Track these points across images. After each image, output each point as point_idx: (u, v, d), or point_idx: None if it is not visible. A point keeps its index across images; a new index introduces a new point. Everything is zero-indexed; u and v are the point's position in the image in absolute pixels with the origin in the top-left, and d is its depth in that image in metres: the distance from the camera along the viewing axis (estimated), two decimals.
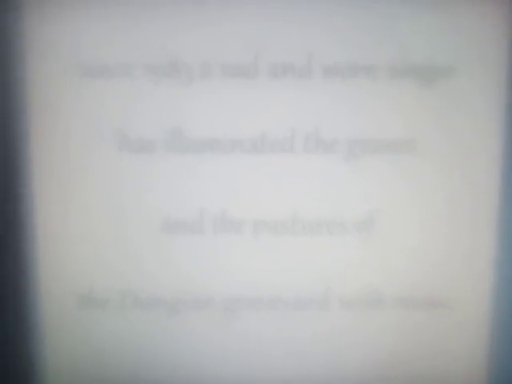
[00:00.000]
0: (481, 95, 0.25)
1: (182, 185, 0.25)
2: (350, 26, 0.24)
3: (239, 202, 0.25)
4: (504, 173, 0.25)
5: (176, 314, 0.26)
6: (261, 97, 0.24)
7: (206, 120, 0.25)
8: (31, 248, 0.25)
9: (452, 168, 0.25)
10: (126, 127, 0.25)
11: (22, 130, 0.25)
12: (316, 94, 0.25)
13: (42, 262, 0.26)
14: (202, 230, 0.25)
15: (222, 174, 0.25)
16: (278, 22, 0.24)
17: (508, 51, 0.24)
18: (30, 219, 0.25)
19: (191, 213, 0.25)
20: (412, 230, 0.26)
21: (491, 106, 0.25)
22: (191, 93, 0.24)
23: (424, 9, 0.24)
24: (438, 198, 0.25)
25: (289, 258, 0.26)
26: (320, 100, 0.25)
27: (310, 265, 0.26)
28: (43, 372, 0.27)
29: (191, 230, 0.25)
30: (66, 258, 0.26)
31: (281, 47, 0.24)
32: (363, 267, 0.26)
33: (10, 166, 0.25)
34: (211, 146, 0.25)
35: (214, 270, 0.26)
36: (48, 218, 0.25)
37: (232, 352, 0.27)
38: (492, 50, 0.25)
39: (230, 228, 0.25)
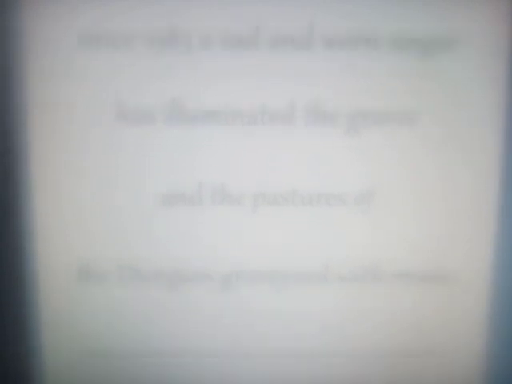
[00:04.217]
0: (484, 68, 0.25)
1: (180, 157, 0.25)
2: None
3: (238, 175, 0.25)
4: (506, 146, 0.25)
5: (175, 287, 0.26)
6: (261, 68, 0.24)
7: (205, 91, 0.24)
8: (28, 221, 0.25)
9: (453, 141, 0.25)
10: (123, 98, 0.24)
11: (18, 101, 0.24)
12: (316, 65, 0.24)
13: (39, 234, 0.26)
14: (201, 203, 0.25)
15: (221, 146, 0.25)
16: None
17: None
18: (26, 193, 0.25)
19: (190, 185, 0.25)
20: (412, 204, 0.25)
21: (494, 79, 0.25)
22: (190, 63, 0.24)
23: None
24: (439, 171, 0.25)
25: (288, 231, 0.26)
26: (320, 72, 0.24)
27: (310, 238, 0.26)
28: (41, 346, 0.27)
29: (190, 203, 0.25)
30: (62, 231, 0.26)
31: (281, 18, 0.24)
32: (363, 241, 0.26)
33: (7, 138, 0.25)
34: (210, 117, 0.24)
35: (213, 242, 0.26)
36: (45, 191, 0.25)
37: (230, 325, 0.27)
38: (496, 22, 0.24)
39: (229, 201, 0.25)
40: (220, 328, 0.27)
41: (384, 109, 0.25)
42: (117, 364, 0.27)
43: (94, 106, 0.24)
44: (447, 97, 0.25)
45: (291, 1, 0.24)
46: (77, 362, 0.27)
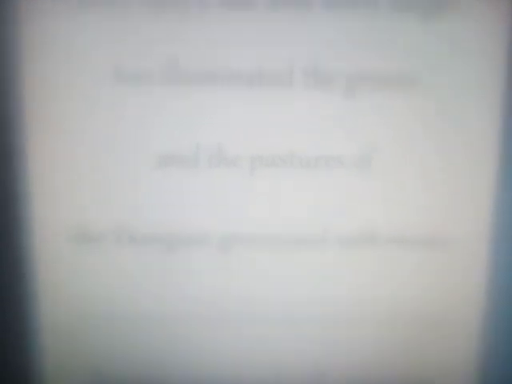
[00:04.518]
0: (486, 33, 0.24)
1: (177, 118, 0.25)
2: None
3: (236, 137, 0.25)
4: (507, 110, 0.25)
5: (172, 250, 0.26)
6: (259, 29, 0.24)
7: (202, 52, 0.24)
8: (22, 184, 0.25)
9: (454, 105, 0.25)
10: (120, 59, 0.24)
11: (14, 64, 0.24)
12: (315, 27, 0.24)
13: (33, 197, 0.25)
14: (198, 165, 0.25)
15: (219, 108, 0.25)
16: None
17: None
18: (21, 155, 0.25)
19: (187, 147, 0.25)
20: (411, 168, 0.25)
21: (497, 44, 0.24)
22: (188, 24, 0.24)
23: None
24: (438, 135, 0.25)
25: (286, 194, 0.26)
26: (319, 34, 0.24)
27: (308, 201, 0.26)
28: (37, 309, 0.27)
29: (186, 165, 0.25)
30: (58, 193, 0.25)
31: None
32: (362, 204, 0.26)
33: (2, 99, 0.24)
34: (207, 78, 0.24)
35: (210, 205, 0.26)
36: (40, 153, 0.25)
37: (228, 289, 0.27)
38: None
39: (226, 163, 0.25)
40: (217, 291, 0.27)
41: (384, 71, 0.24)
42: (113, 327, 0.27)
43: (91, 68, 0.24)
44: (448, 59, 0.24)
45: None
46: (73, 324, 0.27)
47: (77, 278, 0.26)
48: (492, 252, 0.26)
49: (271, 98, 0.24)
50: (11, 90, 0.24)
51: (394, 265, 0.26)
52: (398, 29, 0.24)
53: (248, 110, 0.25)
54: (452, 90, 0.25)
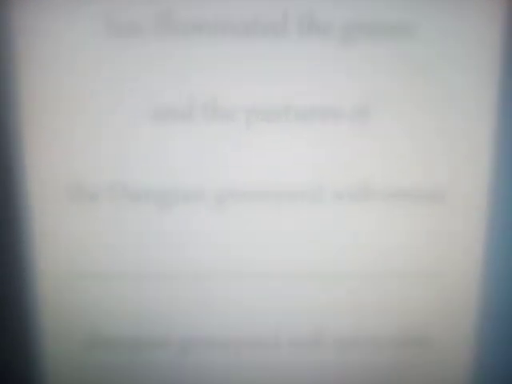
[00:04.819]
0: None
1: (170, 70, 0.24)
2: None
3: (230, 88, 0.24)
4: (506, 60, 0.24)
5: (167, 207, 0.26)
6: None
7: (195, 2, 0.24)
8: (17, 141, 0.25)
9: (453, 55, 0.24)
10: (112, 11, 0.24)
11: (8, 24, 0.24)
12: None
13: (28, 154, 0.25)
14: (193, 119, 0.25)
15: (213, 59, 0.24)
16: None
17: None
18: (15, 109, 0.25)
19: (181, 100, 0.25)
20: (408, 121, 0.25)
21: None
22: None
23: None
24: (437, 85, 0.25)
25: (282, 148, 0.25)
26: None
27: (304, 156, 0.25)
28: (34, 267, 0.26)
29: (181, 119, 0.25)
30: (52, 150, 0.25)
31: None
32: (358, 158, 0.25)
33: None
34: (201, 29, 0.24)
35: (206, 161, 0.25)
36: (33, 110, 0.25)
37: (224, 246, 0.26)
38: None
39: (221, 116, 0.25)
40: (214, 248, 0.26)
41: (381, 19, 0.24)
42: (109, 284, 0.27)
43: (83, 21, 0.24)
44: (447, 7, 0.24)
45: None
46: (69, 282, 0.27)
47: (73, 235, 0.26)
48: (490, 204, 0.26)
49: (266, 48, 0.24)
50: (3, 50, 0.24)
51: (392, 219, 0.26)
52: None
53: (242, 60, 0.24)
54: (450, 38, 0.24)
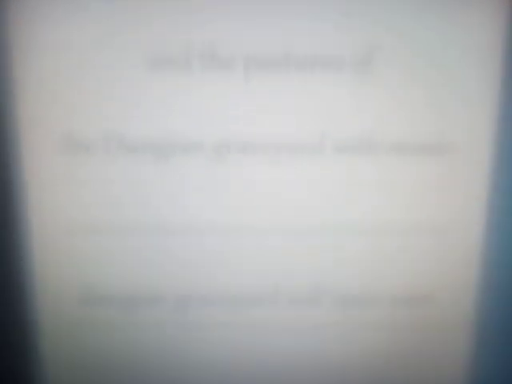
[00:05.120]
0: None
1: (167, 16, 0.23)
2: None
3: (228, 34, 0.24)
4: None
5: (164, 158, 0.25)
6: None
7: None
8: (9, 91, 0.24)
9: (459, 4, 0.24)
10: None
11: None
12: None
13: (21, 105, 0.24)
14: (190, 67, 0.24)
15: (209, 4, 0.23)
16: None
17: None
18: (6, 61, 0.24)
19: (178, 47, 0.24)
20: (412, 71, 0.24)
21: None
22: None
23: None
24: (442, 36, 0.24)
25: (282, 99, 0.24)
26: None
27: (304, 106, 0.25)
28: (28, 224, 0.26)
29: (179, 67, 0.24)
30: (45, 100, 0.24)
31: None
32: (360, 109, 0.25)
33: None
34: None
35: (204, 111, 0.25)
36: (27, 60, 0.24)
37: (222, 199, 0.26)
38: None
39: (219, 65, 0.24)
40: (212, 201, 0.26)
41: None
42: (104, 240, 0.26)
43: None
44: None
45: None
46: (62, 237, 0.26)
47: (67, 188, 0.25)
48: (495, 157, 0.25)
49: None
50: None
51: (394, 173, 0.25)
52: None
53: (240, 6, 0.23)
54: None
